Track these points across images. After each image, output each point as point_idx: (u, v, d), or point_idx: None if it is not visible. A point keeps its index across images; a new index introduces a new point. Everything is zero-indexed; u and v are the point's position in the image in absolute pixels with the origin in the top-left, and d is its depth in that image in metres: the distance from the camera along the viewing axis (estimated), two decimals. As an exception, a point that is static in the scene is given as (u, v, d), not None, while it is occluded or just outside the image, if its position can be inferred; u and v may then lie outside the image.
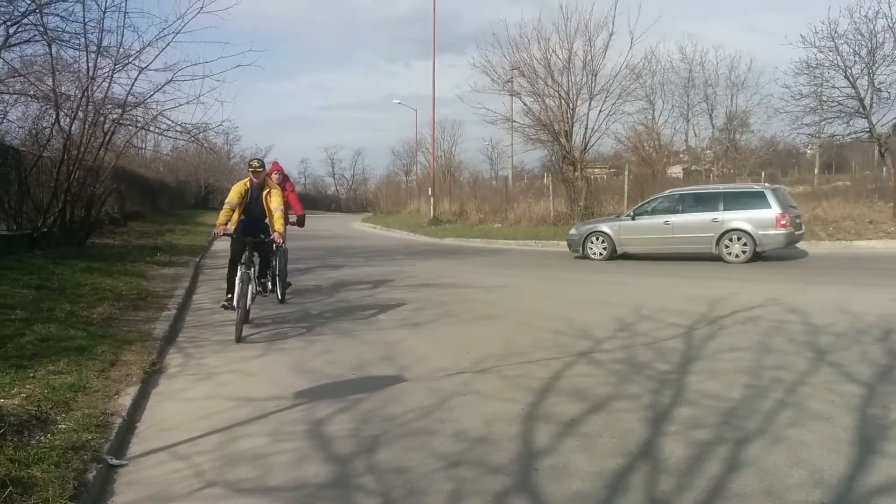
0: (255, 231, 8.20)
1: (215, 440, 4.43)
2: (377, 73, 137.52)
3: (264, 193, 8.16)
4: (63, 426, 4.31)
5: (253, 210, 8.21)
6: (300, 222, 10.34)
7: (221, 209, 8.11)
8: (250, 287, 7.80)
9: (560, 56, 24.47)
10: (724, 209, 14.38)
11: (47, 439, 4.07)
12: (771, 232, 13.82)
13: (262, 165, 8.21)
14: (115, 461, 4.01)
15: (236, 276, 7.78)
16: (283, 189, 9.39)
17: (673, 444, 4.14)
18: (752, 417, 4.56)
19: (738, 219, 14.13)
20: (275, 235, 8.01)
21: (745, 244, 14.03)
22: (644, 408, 4.84)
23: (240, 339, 7.34)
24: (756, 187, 15.06)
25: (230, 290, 8.10)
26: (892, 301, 8.39)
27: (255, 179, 8.12)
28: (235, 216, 8.20)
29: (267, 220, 8.27)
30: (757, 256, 14.03)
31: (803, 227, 15.41)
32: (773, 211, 13.82)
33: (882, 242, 16.37)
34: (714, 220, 14.38)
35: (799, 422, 4.44)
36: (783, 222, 13.76)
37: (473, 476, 3.78)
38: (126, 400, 4.99)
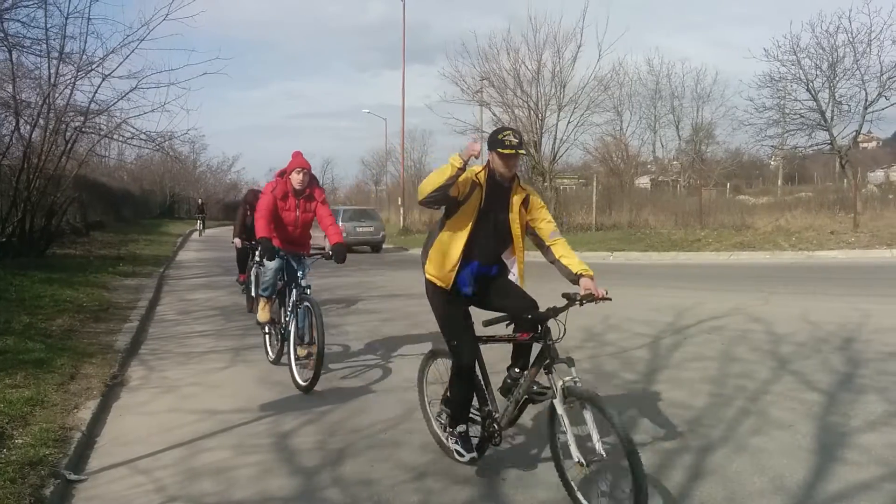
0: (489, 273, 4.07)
1: (178, 454, 4.34)
2: (347, 83, 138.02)
3: (517, 200, 3.93)
4: (20, 441, 4.19)
5: (493, 228, 3.94)
6: (339, 256, 6.18)
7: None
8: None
9: (529, 67, 24.78)
10: None
11: (3, 455, 3.95)
12: None
13: (522, 144, 3.76)
14: (73, 476, 3.91)
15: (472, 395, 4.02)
16: (313, 198, 6.49)
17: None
18: (716, 426, 4.61)
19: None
20: (599, 290, 3.79)
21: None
22: (610, 417, 4.86)
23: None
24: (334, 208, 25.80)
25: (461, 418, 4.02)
26: (852, 310, 8.56)
27: (505, 172, 3.83)
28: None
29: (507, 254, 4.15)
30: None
31: (380, 235, 25.01)
32: None
33: (843, 252, 16.73)
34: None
35: (761, 430, 4.50)
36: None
37: (440, 487, 3.77)
38: (86, 414, 4.87)
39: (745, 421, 4.69)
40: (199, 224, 37.11)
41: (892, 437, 4.30)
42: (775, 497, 3.48)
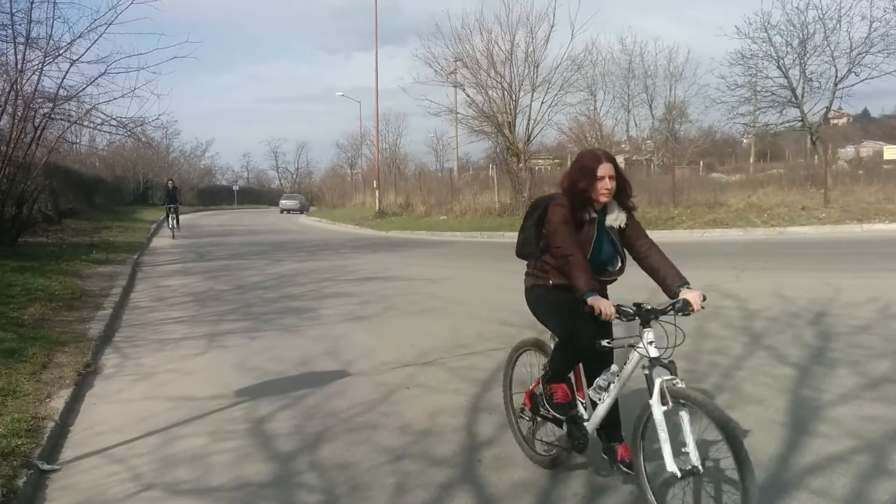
0: None
1: (153, 442, 4.31)
2: (319, 66, 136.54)
3: None
4: (-10, 433, 4.13)
5: None
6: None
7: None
8: None
9: (502, 47, 24.61)
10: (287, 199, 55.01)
11: (-27, 447, 3.89)
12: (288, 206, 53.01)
13: None
14: (46, 466, 3.87)
15: None
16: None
17: (614, 430, 4.19)
18: (690, 401, 4.65)
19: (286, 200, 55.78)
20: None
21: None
22: (587, 395, 4.90)
23: None
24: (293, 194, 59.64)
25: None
26: (823, 285, 8.68)
27: None
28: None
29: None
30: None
31: (299, 205, 53.90)
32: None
33: (814, 228, 16.95)
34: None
35: (735, 405, 4.55)
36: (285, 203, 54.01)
37: (417, 469, 3.78)
38: (58, 403, 4.82)
39: (719, 396, 4.74)
40: (169, 217, 24.47)
41: (863, 409, 4.38)
42: (748, 470, 3.53)
